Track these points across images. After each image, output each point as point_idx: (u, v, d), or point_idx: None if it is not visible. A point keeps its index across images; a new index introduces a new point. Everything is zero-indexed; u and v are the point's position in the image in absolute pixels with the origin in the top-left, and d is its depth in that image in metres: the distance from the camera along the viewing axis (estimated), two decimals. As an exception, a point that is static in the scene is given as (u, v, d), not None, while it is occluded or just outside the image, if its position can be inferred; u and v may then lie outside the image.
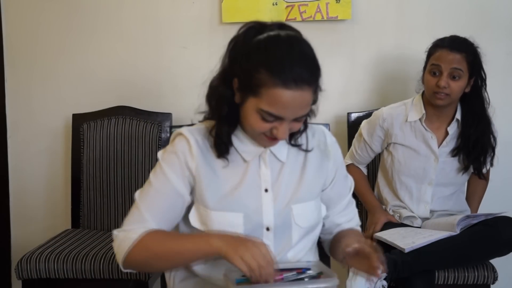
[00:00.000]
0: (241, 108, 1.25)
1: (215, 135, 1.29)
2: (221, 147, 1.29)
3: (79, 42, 2.61)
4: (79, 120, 2.52)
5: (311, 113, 1.30)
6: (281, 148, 1.35)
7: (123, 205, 2.47)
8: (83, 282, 2.08)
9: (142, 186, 1.34)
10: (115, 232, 1.30)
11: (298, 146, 1.36)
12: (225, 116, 1.27)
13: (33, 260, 2.06)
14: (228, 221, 1.27)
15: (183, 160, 1.29)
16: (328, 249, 1.50)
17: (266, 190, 1.32)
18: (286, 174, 1.34)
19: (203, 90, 1.32)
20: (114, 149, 2.49)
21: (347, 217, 1.48)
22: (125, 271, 1.32)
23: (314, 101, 1.26)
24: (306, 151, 1.37)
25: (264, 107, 1.18)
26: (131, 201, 2.43)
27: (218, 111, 1.28)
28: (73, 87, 2.63)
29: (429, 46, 2.10)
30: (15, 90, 2.66)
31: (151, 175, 1.33)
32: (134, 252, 1.25)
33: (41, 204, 2.70)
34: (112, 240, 1.32)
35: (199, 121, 1.37)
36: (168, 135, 2.45)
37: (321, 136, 1.41)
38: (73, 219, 2.51)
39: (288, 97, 1.16)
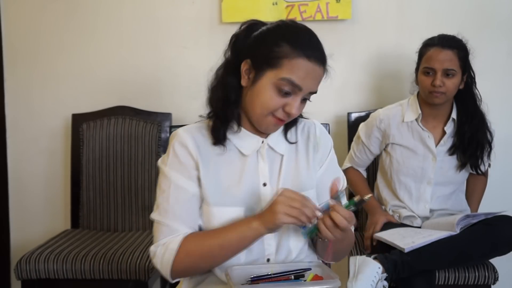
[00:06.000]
0: (251, 89, 1.28)
1: (219, 119, 1.31)
2: (220, 132, 1.31)
3: (79, 42, 2.61)
4: (78, 120, 2.52)
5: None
6: (279, 142, 1.38)
7: (122, 205, 2.46)
8: (82, 282, 2.07)
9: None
10: (152, 248, 1.30)
11: (293, 143, 1.40)
12: (234, 100, 1.30)
13: (33, 260, 2.06)
14: (229, 215, 1.29)
15: (184, 161, 1.31)
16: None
17: (264, 184, 1.34)
18: (284, 167, 1.37)
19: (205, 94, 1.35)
20: (113, 149, 2.49)
21: None
22: (174, 281, 1.32)
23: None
24: (292, 143, 1.40)
25: (286, 75, 1.23)
26: (130, 201, 2.45)
27: (226, 97, 1.30)
28: (72, 87, 2.63)
29: (420, 47, 2.12)
30: (15, 90, 2.66)
31: (162, 186, 1.33)
32: (178, 261, 1.26)
33: (41, 204, 2.69)
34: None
35: (200, 118, 1.38)
36: (168, 135, 2.44)
37: (311, 127, 1.45)
38: (73, 219, 2.51)
39: (309, 67, 1.24)
